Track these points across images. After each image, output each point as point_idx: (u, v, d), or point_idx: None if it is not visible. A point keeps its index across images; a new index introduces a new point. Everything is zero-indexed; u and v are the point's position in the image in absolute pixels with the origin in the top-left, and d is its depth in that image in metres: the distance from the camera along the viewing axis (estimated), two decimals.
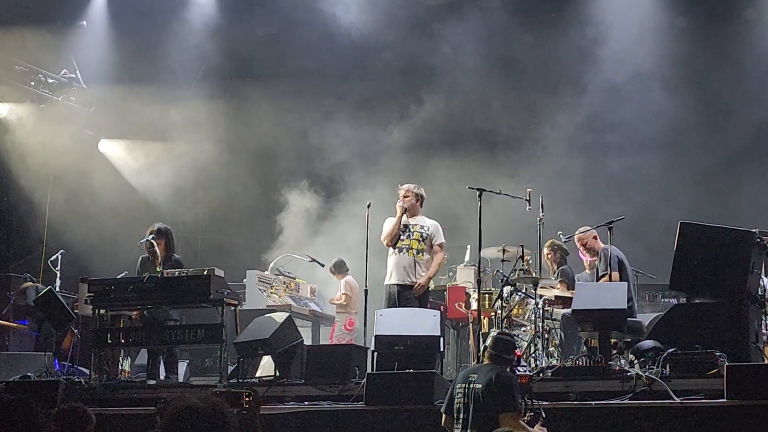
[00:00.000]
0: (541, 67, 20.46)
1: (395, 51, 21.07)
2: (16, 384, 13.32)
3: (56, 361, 15.27)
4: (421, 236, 14.51)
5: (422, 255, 14.46)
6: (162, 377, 14.37)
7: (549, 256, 15.08)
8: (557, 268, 15.02)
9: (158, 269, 14.16)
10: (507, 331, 12.23)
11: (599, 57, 19.87)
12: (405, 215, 14.54)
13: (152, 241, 14.54)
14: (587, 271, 14.48)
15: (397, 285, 14.35)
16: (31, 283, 17.90)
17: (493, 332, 10.42)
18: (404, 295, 14.19)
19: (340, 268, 17.58)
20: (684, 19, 20.09)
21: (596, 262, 13.92)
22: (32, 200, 21.27)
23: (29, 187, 21.05)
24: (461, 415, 9.43)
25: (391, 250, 14.60)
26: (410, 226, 14.54)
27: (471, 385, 9.41)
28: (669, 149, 19.71)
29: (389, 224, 14.59)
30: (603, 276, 13.50)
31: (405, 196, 14.59)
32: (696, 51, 19.72)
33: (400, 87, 21.11)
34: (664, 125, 19.59)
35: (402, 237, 14.49)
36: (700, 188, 19.20)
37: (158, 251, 14.45)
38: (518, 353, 11.77)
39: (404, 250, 14.46)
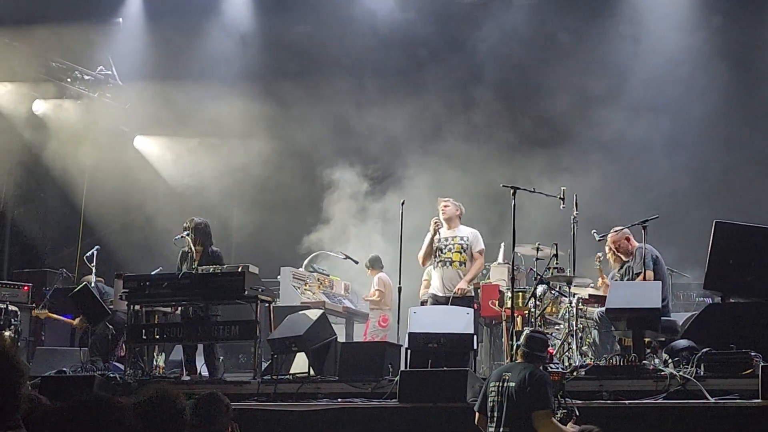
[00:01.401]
0: (578, 65, 20.38)
1: (431, 45, 21.05)
2: (51, 379, 13.40)
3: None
4: (462, 248, 14.77)
5: (464, 266, 14.72)
6: (203, 374, 14.42)
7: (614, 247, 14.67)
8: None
9: (194, 265, 14.22)
10: (540, 329, 12.20)
11: (636, 54, 19.80)
12: (441, 229, 14.78)
13: (187, 237, 14.63)
14: (615, 271, 14.39)
15: (443, 297, 14.61)
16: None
17: (527, 330, 10.42)
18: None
19: (375, 264, 17.57)
20: (720, 17, 19.99)
21: (631, 261, 13.84)
22: (68, 196, 21.41)
23: (65, 183, 21.20)
24: (495, 414, 9.42)
25: (433, 263, 14.91)
26: (449, 239, 14.77)
27: (505, 384, 9.41)
28: (706, 146, 19.57)
29: (424, 245, 14.84)
30: (639, 275, 13.43)
31: (445, 206, 14.83)
32: (732, 47, 19.61)
33: (437, 82, 21.07)
34: (700, 122, 19.47)
35: (443, 250, 14.71)
36: (736, 186, 19.10)
37: (192, 247, 14.53)
38: (551, 351, 11.78)
39: (447, 263, 14.74)
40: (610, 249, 14.30)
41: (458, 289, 14.46)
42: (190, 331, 14.21)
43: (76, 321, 16.79)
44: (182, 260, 14.69)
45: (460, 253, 14.71)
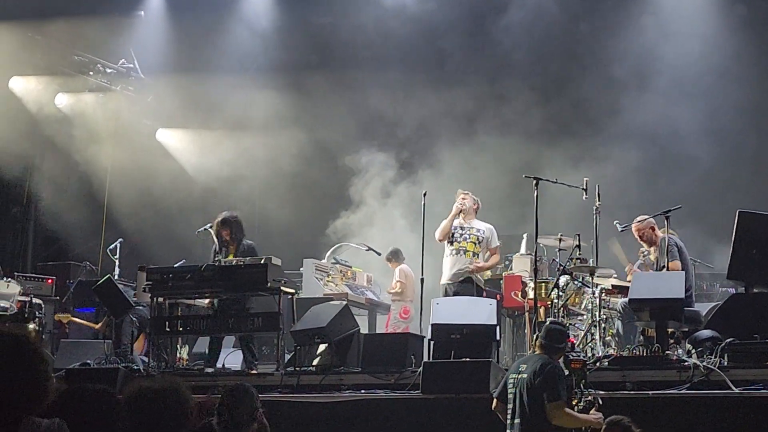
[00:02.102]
0: (601, 56, 20.31)
1: (455, 33, 20.99)
2: (76, 371, 13.46)
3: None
4: (478, 239, 14.92)
5: (477, 258, 14.87)
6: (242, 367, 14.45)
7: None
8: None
9: (215, 258, 14.25)
10: (558, 320, 12.17)
11: (660, 46, 19.75)
12: (461, 216, 14.90)
13: (210, 229, 14.69)
14: (641, 259, 14.34)
15: (452, 283, 14.75)
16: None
17: (547, 321, 10.42)
18: (460, 294, 14.42)
19: (396, 257, 17.57)
20: (743, 6, 19.89)
21: (655, 252, 13.81)
22: (91, 189, 21.48)
23: (88, 176, 21.27)
24: (511, 405, 9.47)
25: (447, 251, 14.95)
26: (466, 228, 14.88)
27: (519, 376, 9.46)
28: (728, 137, 19.50)
29: (444, 222, 14.94)
30: (663, 266, 13.39)
31: (464, 198, 14.99)
32: (756, 40, 19.51)
33: (461, 71, 21.02)
34: (723, 112, 19.37)
35: (458, 239, 14.85)
36: (759, 177, 19.01)
37: (215, 238, 14.59)
38: (572, 339, 11.76)
39: (461, 252, 14.86)
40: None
41: (475, 266, 14.66)
42: (213, 323, 14.25)
43: (99, 325, 16.83)
44: (215, 254, 14.71)
45: (475, 244, 14.87)
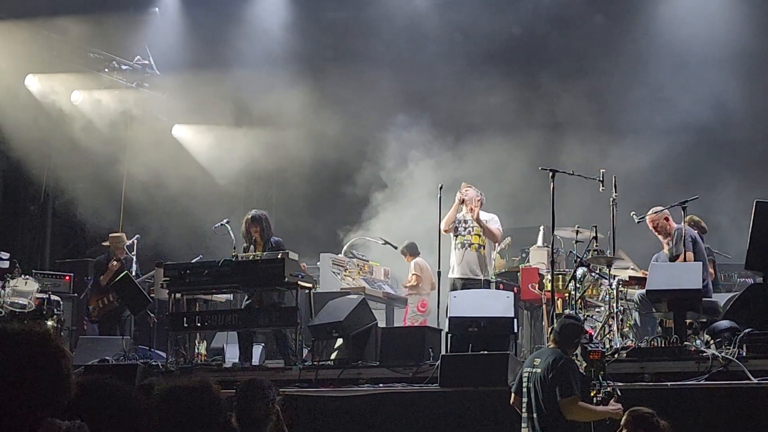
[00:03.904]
0: (614, 46, 20.27)
1: (469, 26, 20.96)
2: (95, 367, 13.49)
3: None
4: (482, 230, 14.86)
5: (484, 249, 14.91)
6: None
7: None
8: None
9: (233, 254, 14.27)
10: (573, 314, 12.15)
11: (671, 36, 19.68)
12: (461, 213, 15.00)
13: (226, 225, 14.75)
14: (665, 250, 14.29)
15: (462, 279, 14.80)
16: None
17: (564, 315, 10.42)
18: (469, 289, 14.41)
19: (411, 250, 17.58)
20: None
21: (670, 243, 13.78)
22: (107, 186, 21.51)
23: (105, 172, 21.30)
24: (526, 399, 9.48)
25: (453, 245, 15.04)
26: (468, 222, 14.94)
27: (533, 370, 9.46)
28: (744, 127, 19.45)
29: (448, 213, 15.04)
30: (678, 257, 13.37)
31: (466, 191, 14.99)
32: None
33: (477, 63, 20.99)
34: (739, 102, 19.30)
35: (462, 232, 14.94)
36: None
37: (231, 234, 14.63)
38: (590, 331, 11.75)
39: (466, 246, 14.94)
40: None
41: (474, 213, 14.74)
42: (231, 318, 14.28)
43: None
44: (244, 250, 14.72)
45: (480, 236, 14.90)
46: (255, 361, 14.88)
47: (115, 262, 16.67)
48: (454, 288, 14.65)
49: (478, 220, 14.86)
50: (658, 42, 19.98)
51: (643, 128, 19.72)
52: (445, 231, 15.03)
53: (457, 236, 14.98)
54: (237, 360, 14.51)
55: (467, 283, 14.61)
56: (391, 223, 19.29)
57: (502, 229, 15.33)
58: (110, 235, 17.63)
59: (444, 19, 21.01)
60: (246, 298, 14.71)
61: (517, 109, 20.37)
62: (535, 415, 9.32)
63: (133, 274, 16.12)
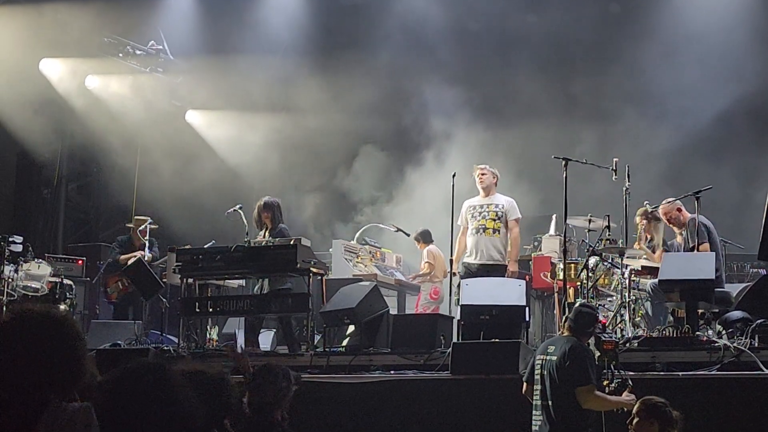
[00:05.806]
0: (627, 34, 20.21)
1: (481, 16, 20.93)
2: (106, 352, 13.53)
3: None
4: (497, 215, 14.79)
5: (499, 234, 14.72)
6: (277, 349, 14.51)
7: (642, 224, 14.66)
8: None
9: (245, 239, 14.29)
10: (588, 303, 12.14)
11: (693, 23, 19.62)
12: (477, 197, 14.98)
13: (238, 210, 14.78)
14: (678, 239, 14.26)
15: (477, 264, 14.65)
16: None
17: (578, 303, 10.41)
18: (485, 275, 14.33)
19: (425, 238, 17.56)
20: None
21: (684, 233, 13.75)
22: (121, 171, 21.56)
23: (118, 157, 21.34)
24: (539, 386, 9.47)
25: (469, 230, 14.93)
26: (484, 206, 14.82)
27: (548, 357, 9.45)
28: (758, 117, 19.39)
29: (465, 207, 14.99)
30: (694, 247, 13.34)
31: (482, 174, 14.89)
32: None
33: (484, 57, 20.96)
34: (752, 92, 19.22)
35: (477, 217, 14.82)
36: None
37: (244, 220, 14.66)
38: (603, 321, 11.74)
39: (481, 230, 14.76)
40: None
41: (510, 273, 14.43)
42: (243, 304, 14.30)
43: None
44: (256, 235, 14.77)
45: (494, 220, 14.71)
46: (267, 347, 14.92)
47: (141, 253, 16.68)
48: (468, 272, 14.55)
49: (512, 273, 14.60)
50: (677, 25, 19.87)
51: (659, 116, 19.69)
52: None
53: (472, 221, 14.87)
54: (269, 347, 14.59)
55: (481, 269, 14.50)
56: (403, 210, 19.30)
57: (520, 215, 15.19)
58: (135, 217, 17.75)
59: (452, 7, 20.96)
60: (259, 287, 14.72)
61: (529, 96, 20.30)
62: (549, 403, 9.32)
63: (152, 257, 16.25)
